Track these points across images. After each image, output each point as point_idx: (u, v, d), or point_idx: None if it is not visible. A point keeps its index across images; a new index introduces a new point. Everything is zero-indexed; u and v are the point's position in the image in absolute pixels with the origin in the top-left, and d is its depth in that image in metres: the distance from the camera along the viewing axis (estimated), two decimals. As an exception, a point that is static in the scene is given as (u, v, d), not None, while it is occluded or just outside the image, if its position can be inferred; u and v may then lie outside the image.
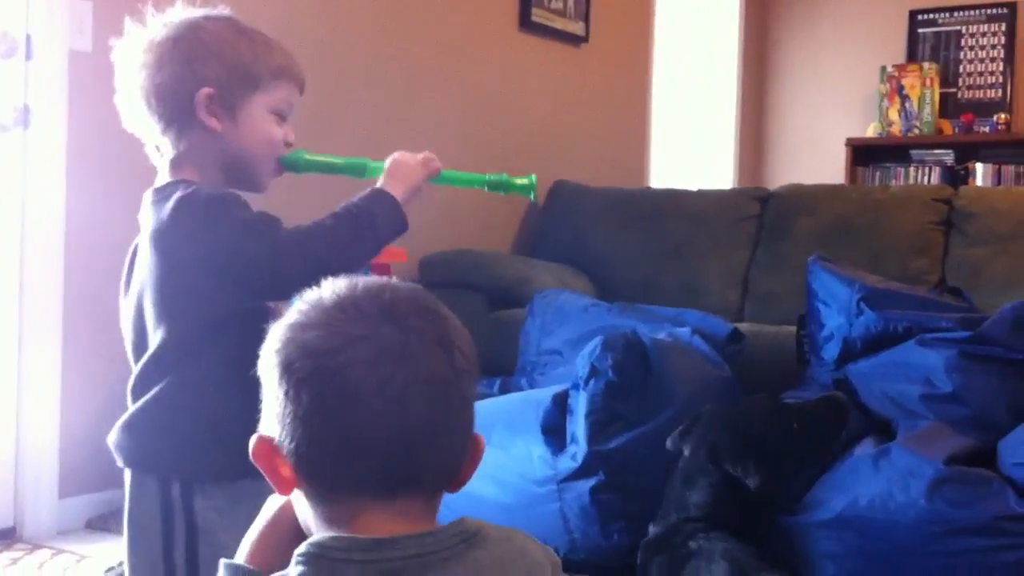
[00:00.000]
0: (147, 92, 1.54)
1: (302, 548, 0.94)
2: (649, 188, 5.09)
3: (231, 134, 1.55)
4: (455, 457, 1.00)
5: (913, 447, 2.56)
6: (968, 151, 6.21)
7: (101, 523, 3.01)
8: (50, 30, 2.92)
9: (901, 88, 6.33)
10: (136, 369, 1.58)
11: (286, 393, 0.96)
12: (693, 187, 4.77)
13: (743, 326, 3.46)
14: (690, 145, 6.34)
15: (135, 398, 1.57)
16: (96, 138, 3.03)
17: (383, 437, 0.95)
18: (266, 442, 0.98)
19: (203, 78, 1.52)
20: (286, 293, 1.47)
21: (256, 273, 1.47)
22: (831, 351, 3.06)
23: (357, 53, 3.95)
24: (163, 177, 1.60)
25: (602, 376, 2.68)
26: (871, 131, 6.43)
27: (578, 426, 2.66)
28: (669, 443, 2.17)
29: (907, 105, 6.31)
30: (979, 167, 6.10)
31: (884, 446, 2.61)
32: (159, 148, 1.60)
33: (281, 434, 0.97)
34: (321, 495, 0.98)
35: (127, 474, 1.55)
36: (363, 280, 1.01)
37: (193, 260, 1.49)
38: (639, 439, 2.62)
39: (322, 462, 0.96)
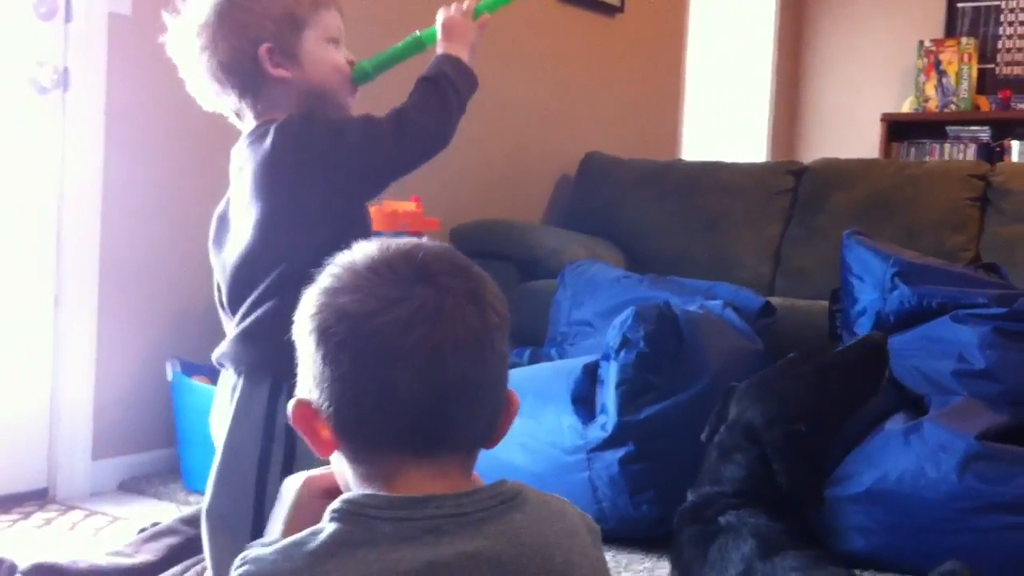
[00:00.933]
0: (214, 72, 1.66)
1: (336, 504, 0.95)
2: (682, 160, 5.06)
3: (301, 76, 1.65)
4: (491, 413, 1.02)
5: (945, 423, 2.55)
6: (1005, 128, 6.14)
7: (134, 485, 3.04)
8: (88, -6, 2.93)
9: (938, 63, 6.26)
10: (251, 295, 1.65)
11: (324, 357, 0.97)
12: (726, 160, 4.74)
13: (775, 300, 3.45)
14: (723, 118, 6.30)
15: (246, 316, 1.65)
16: (135, 100, 3.04)
17: (421, 394, 0.96)
18: (305, 405, 1.00)
19: (256, 37, 1.62)
20: (407, 167, 1.65)
21: (380, 156, 1.61)
22: (864, 326, 3.04)
23: (394, 19, 3.94)
24: (248, 124, 1.70)
25: (634, 347, 2.67)
26: (907, 106, 6.36)
27: (608, 396, 2.66)
28: (706, 430, 2.16)
29: (944, 81, 6.24)
30: (1015, 144, 6.03)
31: (916, 421, 2.60)
32: (239, 114, 1.71)
33: (320, 397, 0.98)
34: (360, 455, 1.00)
35: (238, 385, 1.62)
36: (394, 242, 1.02)
37: (314, 168, 1.59)
38: (669, 410, 2.62)
39: (362, 421, 0.97)
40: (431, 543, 0.93)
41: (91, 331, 2.98)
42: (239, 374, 1.64)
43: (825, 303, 3.35)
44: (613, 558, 2.52)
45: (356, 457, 1.00)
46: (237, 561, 0.94)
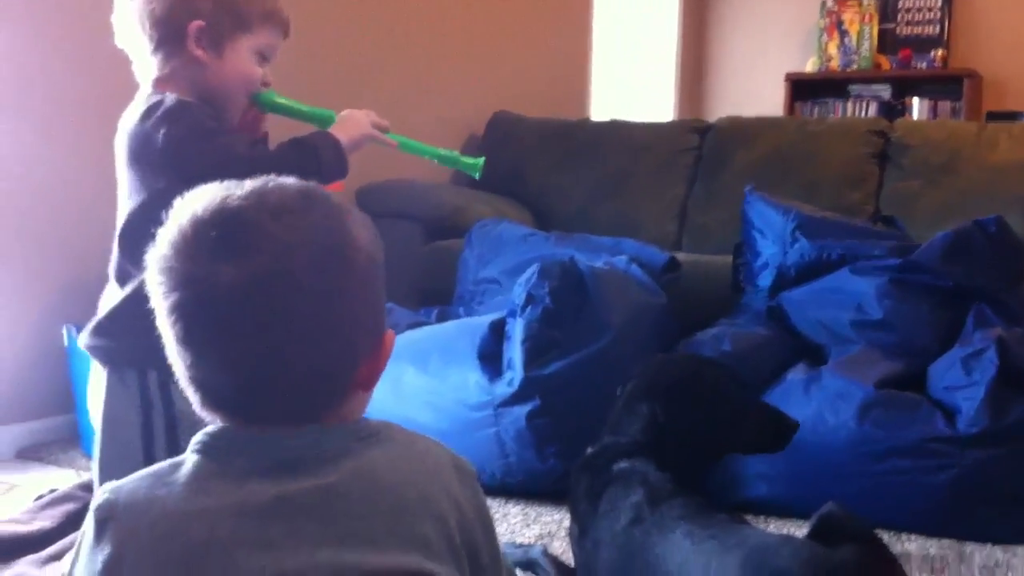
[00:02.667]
0: (142, 15, 1.66)
1: (197, 436, 0.97)
2: (588, 120, 5.07)
3: (213, 66, 1.67)
4: (322, 371, 0.99)
5: (843, 371, 2.60)
6: (905, 86, 6.26)
7: (31, 452, 2.97)
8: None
9: (840, 23, 6.35)
10: (112, 264, 1.67)
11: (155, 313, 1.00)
12: (633, 119, 4.76)
13: (680, 256, 3.47)
14: (631, 77, 6.32)
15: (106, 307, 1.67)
16: (16, 58, 2.94)
17: (219, 372, 0.96)
18: None
19: (196, 11, 1.64)
20: None
21: (203, 173, 1.46)
22: (765, 279, 3.09)
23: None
24: (143, 92, 1.70)
25: (539, 303, 2.67)
26: (810, 66, 6.45)
27: (515, 352, 2.66)
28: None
29: (846, 40, 6.34)
30: (916, 102, 6.16)
31: (815, 371, 2.65)
32: (141, 65, 1.71)
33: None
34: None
35: (102, 376, 1.62)
36: (211, 195, 1.00)
37: (153, 153, 1.59)
38: (575, 365, 2.63)
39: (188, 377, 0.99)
40: (284, 476, 0.94)
41: (-18, 296, 2.90)
42: (104, 365, 1.64)
43: (727, 258, 3.39)
44: (523, 511, 2.52)
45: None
46: (97, 492, 0.96)
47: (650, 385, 1.99)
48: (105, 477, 1.57)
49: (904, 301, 2.81)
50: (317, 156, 1.71)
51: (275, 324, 0.94)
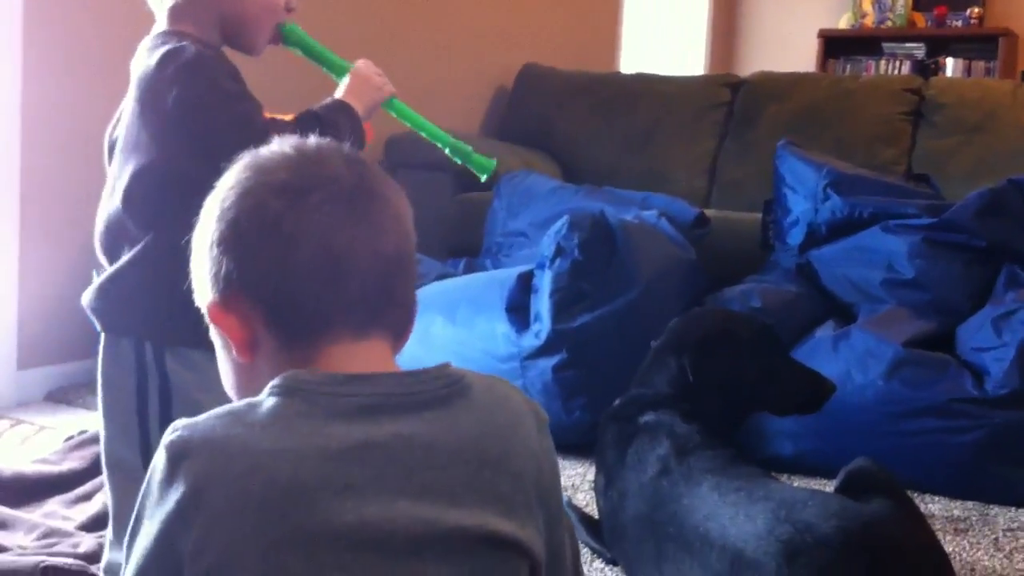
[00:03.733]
0: None
1: (276, 380, 0.94)
2: (619, 72, 5.02)
3: None
4: (413, 297, 1.03)
5: (873, 330, 2.58)
6: (940, 45, 6.18)
7: (60, 395, 2.99)
8: None
9: (876, -21, 6.26)
10: (104, 226, 1.57)
11: (260, 233, 0.96)
12: (664, 73, 4.71)
13: (709, 212, 3.45)
14: (662, 33, 6.26)
15: (110, 259, 1.56)
16: (52, 16, 2.94)
17: (365, 260, 0.97)
18: (223, 305, 0.98)
19: None
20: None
21: (217, 142, 1.41)
22: (796, 236, 3.07)
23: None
24: (160, 25, 1.58)
25: (567, 255, 2.67)
26: (844, 22, 6.37)
27: (542, 304, 2.65)
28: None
29: (881, -4, 6.25)
30: (949, 62, 6.08)
31: (844, 329, 2.64)
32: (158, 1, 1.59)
33: (249, 284, 0.96)
34: (290, 339, 0.98)
35: (102, 337, 1.55)
36: (291, 138, 1.02)
37: (163, 112, 1.48)
38: (602, 318, 2.63)
39: (304, 300, 0.96)
40: (366, 421, 0.92)
41: (13, 240, 2.91)
42: (101, 330, 1.56)
43: (757, 215, 3.37)
44: (545, 464, 2.53)
45: (284, 344, 0.98)
46: (169, 429, 0.92)
47: (680, 338, 1.99)
48: (106, 433, 1.56)
49: (936, 260, 2.79)
50: (338, 132, 1.56)
51: (398, 217, 1.00)
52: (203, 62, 1.49)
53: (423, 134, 1.81)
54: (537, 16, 4.97)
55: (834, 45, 6.38)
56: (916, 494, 2.37)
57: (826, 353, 2.54)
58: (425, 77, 4.26)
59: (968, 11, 6.10)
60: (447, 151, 1.86)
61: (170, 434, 0.91)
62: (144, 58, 1.52)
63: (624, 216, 2.97)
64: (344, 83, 1.68)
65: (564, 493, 2.30)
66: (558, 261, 2.68)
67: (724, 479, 1.61)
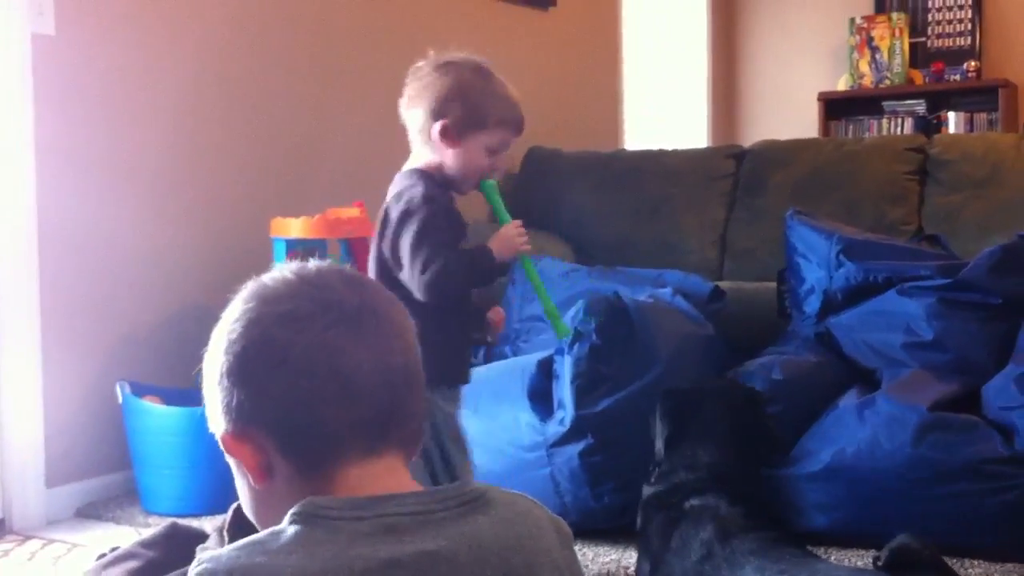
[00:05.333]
0: (412, 106, 2.13)
1: (296, 508, 0.94)
2: (623, 150, 5.07)
3: (452, 155, 2.10)
4: (422, 408, 1.05)
5: (897, 395, 2.58)
6: (940, 100, 6.22)
7: (91, 510, 3.00)
8: (8, 13, 2.87)
9: (871, 39, 6.33)
10: None
11: (268, 363, 0.98)
12: (667, 147, 4.76)
13: (723, 284, 3.47)
14: (663, 106, 6.32)
15: None
16: (64, 123, 3.00)
17: (376, 381, 0.99)
18: (236, 436, 1.00)
19: (445, 113, 2.08)
20: (423, 292, 2.03)
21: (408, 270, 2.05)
22: (812, 304, 3.07)
23: (334, 21, 3.92)
24: (412, 159, 2.17)
25: (586, 339, 2.68)
26: (842, 84, 6.43)
27: (564, 391, 2.66)
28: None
29: (877, 56, 6.31)
30: (951, 116, 6.11)
31: (869, 396, 2.63)
32: (412, 141, 2.16)
33: (261, 415, 0.99)
34: (306, 464, 0.99)
35: None
36: (291, 264, 1.06)
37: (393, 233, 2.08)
38: (625, 400, 2.63)
39: (312, 425, 0.98)
40: (391, 541, 0.92)
41: (36, 358, 2.94)
42: None
43: (772, 284, 3.38)
44: (580, 551, 2.51)
45: (302, 470, 0.99)
46: (194, 562, 0.94)
47: (704, 423, 1.99)
48: None
49: (954, 320, 2.79)
50: (480, 274, 2.13)
51: (401, 332, 1.03)
52: (429, 200, 2.09)
53: (537, 293, 2.27)
54: (539, 100, 5.03)
55: (834, 107, 6.43)
56: (955, 559, 2.34)
57: (852, 422, 2.53)
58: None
59: (965, 64, 6.15)
60: (544, 311, 2.29)
61: (196, 568, 0.92)
62: (394, 186, 2.15)
63: (639, 296, 2.98)
64: (496, 234, 2.16)
65: (599, 581, 2.29)
66: (576, 346, 2.69)
67: (767, 561, 1.61)
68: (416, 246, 2.04)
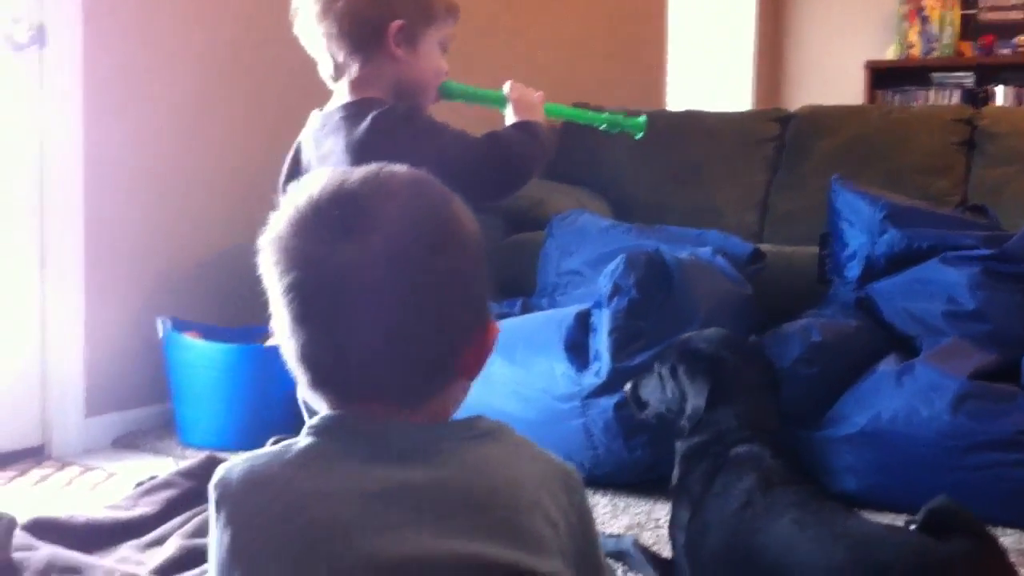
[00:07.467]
0: (341, 16, 1.70)
1: (314, 420, 0.98)
2: (666, 110, 5.04)
3: (409, 63, 1.73)
4: (427, 357, 1.00)
5: (936, 363, 2.57)
6: (988, 73, 6.15)
7: (129, 440, 3.04)
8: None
9: (921, 9, 6.25)
10: None
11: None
12: (710, 109, 4.73)
13: (763, 247, 3.45)
14: (708, 68, 6.28)
15: None
16: (112, 57, 3.01)
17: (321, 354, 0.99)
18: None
19: (395, 13, 1.71)
20: (490, 195, 1.73)
21: (474, 174, 1.65)
22: (853, 270, 3.06)
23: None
24: (341, 96, 1.75)
25: (625, 293, 2.68)
26: (890, 53, 6.36)
27: (601, 343, 2.66)
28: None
29: (927, 27, 6.24)
30: (999, 90, 6.04)
31: (908, 363, 2.62)
32: (337, 72, 1.75)
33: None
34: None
35: None
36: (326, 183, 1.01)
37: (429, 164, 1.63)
38: (662, 355, 2.63)
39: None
40: (405, 466, 0.95)
41: (79, 288, 2.97)
42: None
43: (813, 249, 3.36)
44: (611, 502, 2.54)
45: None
46: (217, 468, 0.98)
47: (746, 380, 2.00)
48: None
49: (997, 291, 2.77)
50: (543, 145, 1.82)
51: (392, 303, 0.95)
52: (408, 112, 1.69)
53: (579, 121, 2.04)
54: (584, 56, 5.01)
55: (881, 76, 6.37)
56: (988, 528, 2.34)
57: (890, 387, 2.53)
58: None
59: (1016, 39, 6.07)
60: (603, 127, 2.07)
61: (215, 475, 0.97)
62: (344, 127, 1.67)
63: (679, 253, 2.98)
64: (510, 109, 1.87)
65: (630, 532, 2.30)
66: (615, 300, 2.69)
67: (806, 513, 1.61)
68: (466, 148, 1.71)
